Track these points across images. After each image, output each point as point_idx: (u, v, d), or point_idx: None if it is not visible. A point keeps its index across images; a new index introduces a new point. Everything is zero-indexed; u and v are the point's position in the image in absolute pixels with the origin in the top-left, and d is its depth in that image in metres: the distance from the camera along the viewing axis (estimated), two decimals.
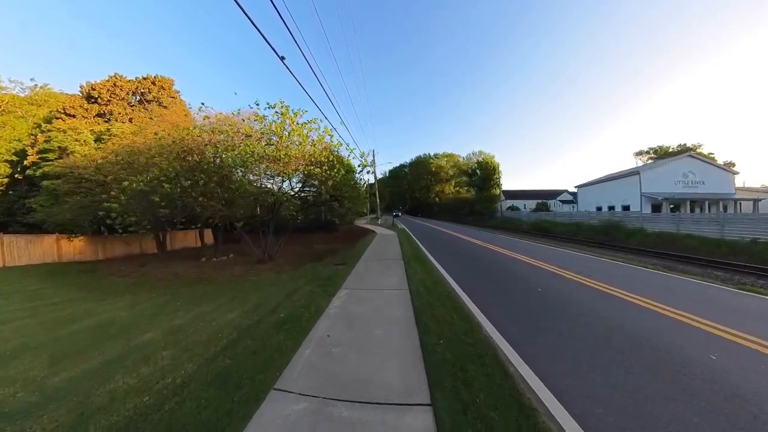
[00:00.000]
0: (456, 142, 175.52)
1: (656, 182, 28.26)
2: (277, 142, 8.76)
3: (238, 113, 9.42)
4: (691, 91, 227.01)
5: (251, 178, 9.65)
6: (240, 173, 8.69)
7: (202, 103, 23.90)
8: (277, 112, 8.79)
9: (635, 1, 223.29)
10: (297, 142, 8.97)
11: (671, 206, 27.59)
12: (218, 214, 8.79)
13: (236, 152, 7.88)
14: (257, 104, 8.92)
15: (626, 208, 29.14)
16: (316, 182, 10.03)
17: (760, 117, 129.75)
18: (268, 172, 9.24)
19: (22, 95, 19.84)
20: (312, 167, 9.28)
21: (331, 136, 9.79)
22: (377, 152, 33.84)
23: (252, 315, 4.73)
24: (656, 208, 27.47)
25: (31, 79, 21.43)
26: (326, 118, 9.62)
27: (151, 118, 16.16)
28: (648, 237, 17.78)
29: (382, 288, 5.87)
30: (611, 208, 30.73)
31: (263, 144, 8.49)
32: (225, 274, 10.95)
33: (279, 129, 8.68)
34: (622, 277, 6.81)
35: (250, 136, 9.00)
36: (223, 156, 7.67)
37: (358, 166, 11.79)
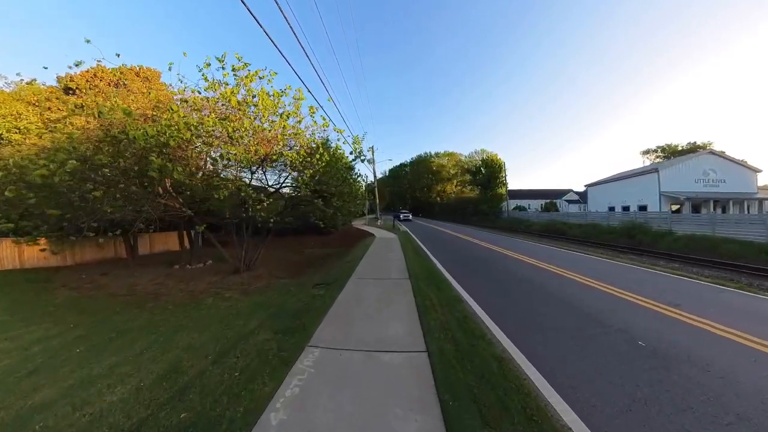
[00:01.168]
0: (456, 141, 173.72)
1: (675, 181, 26.26)
2: (235, 116, 6.35)
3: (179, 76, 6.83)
4: (692, 91, 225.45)
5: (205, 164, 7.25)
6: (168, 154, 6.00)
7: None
8: (229, 72, 6.33)
9: (635, 1, 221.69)
10: (259, 115, 6.57)
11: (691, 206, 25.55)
12: (140, 216, 6.44)
13: (159, 126, 5.46)
14: (208, 64, 6.35)
15: (642, 208, 27.12)
16: (292, 171, 7.54)
17: (765, 115, 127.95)
18: (225, 155, 6.71)
19: (8, 91, 18.41)
20: (289, 153, 6.81)
21: (313, 110, 7.31)
22: (376, 149, 31.60)
23: (142, 403, 2.58)
24: (675, 208, 25.48)
25: (17, 74, 19.89)
26: (311, 93, 7.15)
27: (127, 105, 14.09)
28: (678, 240, 15.76)
29: (378, 346, 3.55)
30: (625, 208, 28.77)
31: (213, 117, 6.07)
32: (185, 290, 8.84)
33: (229, 93, 6.13)
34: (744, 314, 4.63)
35: (186, 101, 6.56)
36: (131, 133, 5.21)
37: (350, 153, 9.21)
